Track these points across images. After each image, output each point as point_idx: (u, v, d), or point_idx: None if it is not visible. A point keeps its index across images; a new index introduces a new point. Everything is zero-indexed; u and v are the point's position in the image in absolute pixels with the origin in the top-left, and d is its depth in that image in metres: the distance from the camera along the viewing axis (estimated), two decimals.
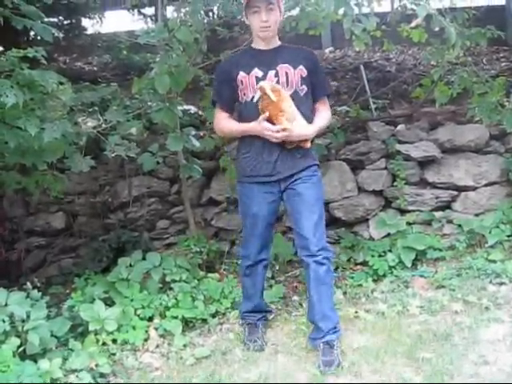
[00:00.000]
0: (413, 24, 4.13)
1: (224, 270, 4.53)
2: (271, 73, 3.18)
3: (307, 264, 3.21)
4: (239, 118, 3.34)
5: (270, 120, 3.07)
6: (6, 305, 3.17)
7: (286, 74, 3.18)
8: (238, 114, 3.38)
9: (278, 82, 3.14)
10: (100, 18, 7.71)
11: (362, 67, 6.33)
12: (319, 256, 3.17)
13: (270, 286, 4.17)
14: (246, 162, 3.28)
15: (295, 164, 3.21)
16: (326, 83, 3.49)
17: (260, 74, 3.18)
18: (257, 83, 3.13)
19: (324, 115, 3.33)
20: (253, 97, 3.16)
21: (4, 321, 3.05)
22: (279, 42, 3.33)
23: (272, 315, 3.79)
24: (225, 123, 3.35)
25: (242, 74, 3.21)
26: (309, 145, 3.20)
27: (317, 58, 3.43)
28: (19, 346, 3.03)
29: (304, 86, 3.22)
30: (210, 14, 5.11)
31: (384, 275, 4.25)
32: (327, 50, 7.75)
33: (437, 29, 3.69)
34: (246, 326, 3.57)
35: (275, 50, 3.27)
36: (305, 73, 3.22)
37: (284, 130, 3.04)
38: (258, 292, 3.57)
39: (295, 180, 3.21)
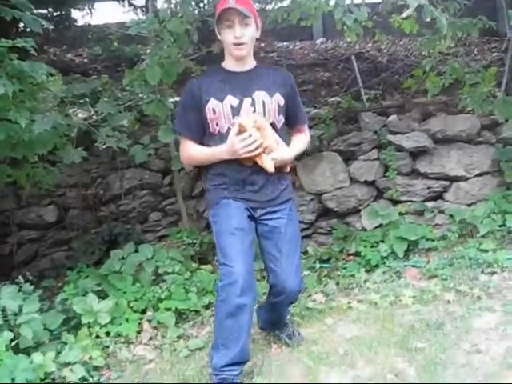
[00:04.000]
0: (404, 14, 4.13)
1: (217, 261, 4.52)
2: (247, 101, 2.79)
3: (277, 302, 3.04)
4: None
5: (251, 159, 2.74)
6: None
7: (263, 103, 2.81)
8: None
9: (254, 112, 2.79)
10: (90, 10, 7.66)
11: (353, 58, 6.33)
12: (292, 297, 3.03)
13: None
14: (222, 189, 2.88)
15: (277, 195, 2.91)
16: (302, 109, 3.11)
17: (235, 102, 2.79)
18: (232, 113, 2.79)
19: (302, 139, 3.05)
20: (229, 128, 2.77)
21: None
22: (254, 63, 2.93)
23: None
24: (194, 149, 2.91)
25: (213, 101, 2.80)
26: (288, 169, 2.94)
27: (293, 82, 3.02)
28: (12, 340, 3.02)
29: (281, 117, 2.89)
30: (201, 4, 5.09)
31: (376, 266, 4.26)
32: (318, 41, 7.75)
33: (428, 19, 3.68)
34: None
35: (250, 72, 2.88)
36: (282, 101, 2.87)
37: (268, 168, 2.72)
38: (245, 336, 2.81)
39: (274, 212, 2.91)
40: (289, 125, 3.01)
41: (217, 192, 2.90)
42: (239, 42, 2.76)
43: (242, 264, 2.75)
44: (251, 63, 2.91)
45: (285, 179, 2.97)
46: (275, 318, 3.26)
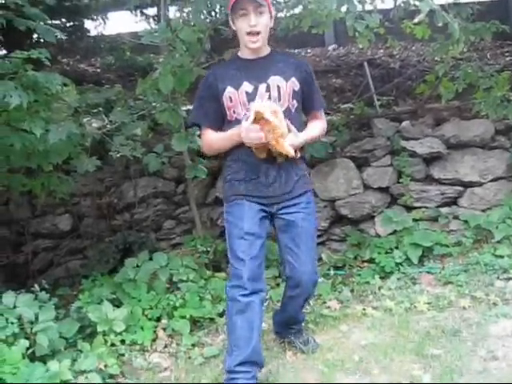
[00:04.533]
0: (416, 20, 4.11)
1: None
2: (262, 87, 2.83)
3: (294, 296, 3.10)
4: None
5: (264, 150, 2.77)
6: (14, 307, 3.17)
7: (278, 87, 2.84)
8: None
9: (269, 97, 2.82)
10: (103, 20, 7.72)
11: (365, 64, 6.33)
12: (309, 290, 3.08)
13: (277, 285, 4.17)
14: (237, 180, 2.93)
15: (292, 188, 2.92)
16: (320, 96, 3.08)
17: (250, 88, 2.83)
18: (247, 99, 2.82)
19: (317, 125, 3.03)
20: (245, 114, 2.79)
21: (13, 323, 3.06)
22: (269, 49, 2.96)
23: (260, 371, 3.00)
24: (213, 135, 2.94)
25: (229, 89, 2.84)
26: (298, 155, 2.84)
27: (310, 67, 3.04)
28: (28, 348, 3.03)
29: (295, 101, 2.90)
30: (213, 13, 5.11)
31: (391, 272, 4.24)
32: (330, 48, 7.76)
33: (440, 24, 3.68)
34: None
35: (265, 59, 2.91)
36: (297, 86, 2.89)
37: (287, 155, 2.74)
38: (256, 335, 2.87)
39: (290, 206, 2.93)
40: (304, 110, 3.01)
41: (232, 187, 2.95)
42: (254, 31, 2.79)
43: (250, 268, 2.84)
44: (266, 50, 2.94)
45: (299, 169, 2.96)
46: (290, 315, 3.26)
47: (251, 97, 2.83)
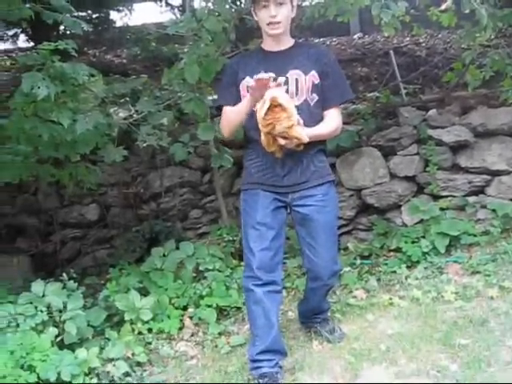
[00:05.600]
0: (442, 7, 4.09)
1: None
2: (280, 80, 2.73)
3: (315, 288, 3.13)
4: (244, 130, 3.00)
5: (274, 144, 2.70)
6: (43, 296, 3.23)
7: (296, 81, 2.83)
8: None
9: (287, 90, 2.79)
10: (128, 11, 7.76)
11: (391, 52, 6.26)
12: (329, 281, 3.08)
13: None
14: (254, 168, 2.94)
15: (308, 178, 2.90)
16: (341, 88, 2.96)
17: None
18: None
19: (328, 122, 2.90)
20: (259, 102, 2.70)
21: (42, 311, 3.11)
22: (292, 41, 2.95)
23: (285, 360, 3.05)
24: (229, 111, 2.92)
25: (248, 79, 2.83)
26: (301, 148, 2.77)
27: (333, 58, 3.00)
28: (57, 336, 3.09)
29: (315, 95, 2.86)
30: (238, 2, 5.10)
31: (418, 261, 4.21)
32: (356, 36, 7.70)
33: (467, 11, 3.63)
34: (259, 379, 2.85)
35: (286, 52, 2.90)
36: (317, 79, 2.85)
37: (299, 143, 2.71)
38: (273, 324, 2.90)
39: (306, 197, 2.91)
40: (323, 103, 2.91)
41: (249, 175, 2.98)
42: (274, 21, 2.79)
43: (260, 258, 2.87)
44: (288, 42, 2.93)
45: (318, 161, 2.94)
46: (315, 304, 3.28)
47: None
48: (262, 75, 2.60)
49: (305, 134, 2.68)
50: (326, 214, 2.95)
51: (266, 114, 2.60)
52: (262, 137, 2.69)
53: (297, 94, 2.83)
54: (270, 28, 2.82)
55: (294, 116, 2.62)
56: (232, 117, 2.91)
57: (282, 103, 2.59)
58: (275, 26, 2.81)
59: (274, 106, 2.59)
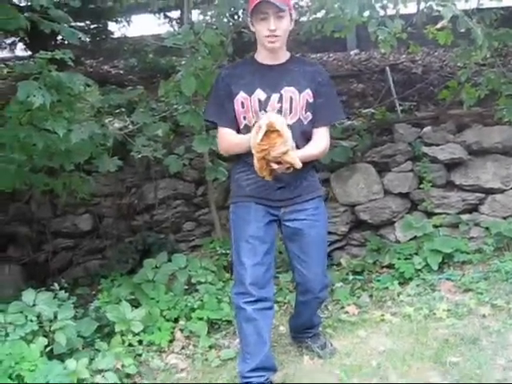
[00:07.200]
0: (439, 25, 4.10)
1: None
2: (275, 97, 2.77)
3: (306, 301, 3.11)
4: None
5: (270, 160, 2.61)
6: (33, 305, 3.21)
7: (291, 99, 2.78)
8: None
9: (280, 108, 2.77)
10: (126, 22, 7.77)
11: (387, 69, 6.30)
12: (320, 294, 3.06)
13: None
14: (246, 181, 2.87)
15: (301, 193, 2.88)
16: (333, 108, 2.93)
17: (263, 96, 2.77)
18: (259, 107, 2.76)
19: (317, 143, 2.86)
20: (255, 122, 2.67)
21: (32, 320, 3.10)
22: (288, 55, 2.90)
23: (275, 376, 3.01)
24: (233, 137, 2.85)
25: (242, 94, 2.79)
26: (290, 170, 2.68)
27: (328, 78, 2.95)
28: (46, 346, 3.07)
29: (309, 113, 2.83)
30: (236, 16, 5.13)
31: (410, 278, 4.21)
32: (352, 52, 7.74)
33: (463, 30, 3.66)
34: None
35: (281, 66, 2.84)
36: (311, 97, 2.82)
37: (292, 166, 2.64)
38: (265, 342, 2.87)
39: (298, 211, 2.88)
40: (313, 121, 2.88)
41: (240, 188, 2.91)
42: (273, 35, 2.72)
43: (253, 273, 2.81)
44: (284, 56, 2.87)
45: (309, 175, 2.92)
46: (306, 319, 3.26)
47: (263, 105, 2.78)
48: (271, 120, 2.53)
49: (298, 158, 2.63)
50: (317, 228, 2.94)
51: (261, 139, 2.56)
52: (255, 161, 2.64)
53: (290, 112, 2.79)
54: (268, 41, 2.75)
55: (289, 141, 2.59)
56: (233, 144, 2.86)
57: (278, 129, 2.55)
58: (273, 39, 2.74)
59: (271, 131, 2.55)
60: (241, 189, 2.90)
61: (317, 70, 2.96)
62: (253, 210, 2.86)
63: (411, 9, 4.50)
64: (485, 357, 3.05)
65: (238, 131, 2.86)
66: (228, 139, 2.88)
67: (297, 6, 4.56)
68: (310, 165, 2.88)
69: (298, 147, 2.73)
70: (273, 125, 2.54)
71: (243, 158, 2.84)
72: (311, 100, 2.83)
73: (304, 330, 3.33)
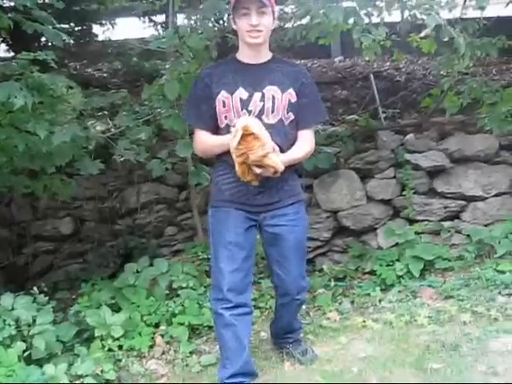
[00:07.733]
0: (422, 34, 4.13)
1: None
2: (257, 96, 2.73)
3: (285, 303, 3.11)
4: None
5: (251, 164, 2.61)
6: (12, 309, 3.18)
7: (273, 98, 2.74)
8: None
9: (262, 107, 2.73)
10: (111, 25, 7.74)
11: (371, 76, 6.32)
12: (298, 296, 3.06)
13: None
14: (225, 184, 2.83)
15: (281, 198, 2.85)
16: (316, 109, 2.93)
17: (245, 95, 2.73)
18: (241, 106, 2.73)
19: (302, 145, 2.85)
20: (233, 126, 2.65)
21: (10, 325, 3.06)
22: (270, 54, 2.86)
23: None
24: (209, 138, 2.83)
25: (223, 93, 2.75)
26: (277, 174, 2.68)
27: (310, 78, 2.93)
28: (25, 351, 3.03)
29: (291, 114, 2.79)
30: (221, 21, 5.13)
31: (392, 285, 4.22)
32: (337, 59, 7.76)
33: (446, 39, 3.68)
34: None
35: (264, 65, 2.80)
36: (294, 97, 2.79)
37: (275, 171, 2.64)
38: (244, 347, 2.85)
39: (278, 216, 2.85)
40: (297, 123, 2.86)
41: (219, 192, 2.88)
42: (255, 30, 2.68)
43: (231, 280, 2.79)
44: (266, 55, 2.84)
45: (291, 179, 2.90)
46: (286, 322, 3.25)
47: (245, 104, 2.75)
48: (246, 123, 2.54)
49: (280, 161, 2.62)
50: (296, 233, 2.92)
51: (238, 143, 2.54)
52: (237, 166, 2.63)
53: (273, 111, 2.76)
54: (249, 36, 2.70)
55: (268, 144, 2.57)
56: (208, 146, 2.86)
57: (255, 132, 2.53)
58: (256, 35, 2.70)
59: (247, 135, 2.53)
60: (220, 193, 2.87)
61: (300, 70, 2.94)
62: (232, 216, 2.83)
63: (395, 17, 4.53)
64: (465, 363, 3.05)
65: (217, 131, 2.83)
66: (203, 141, 2.87)
67: (281, 12, 4.56)
68: (291, 168, 2.86)
69: (279, 147, 2.72)
70: (248, 128, 2.52)
71: (223, 158, 2.80)
72: (294, 100, 2.80)
73: (285, 335, 3.31)
